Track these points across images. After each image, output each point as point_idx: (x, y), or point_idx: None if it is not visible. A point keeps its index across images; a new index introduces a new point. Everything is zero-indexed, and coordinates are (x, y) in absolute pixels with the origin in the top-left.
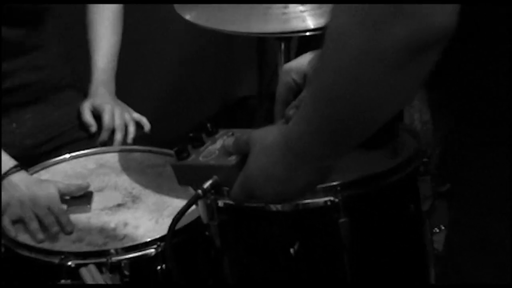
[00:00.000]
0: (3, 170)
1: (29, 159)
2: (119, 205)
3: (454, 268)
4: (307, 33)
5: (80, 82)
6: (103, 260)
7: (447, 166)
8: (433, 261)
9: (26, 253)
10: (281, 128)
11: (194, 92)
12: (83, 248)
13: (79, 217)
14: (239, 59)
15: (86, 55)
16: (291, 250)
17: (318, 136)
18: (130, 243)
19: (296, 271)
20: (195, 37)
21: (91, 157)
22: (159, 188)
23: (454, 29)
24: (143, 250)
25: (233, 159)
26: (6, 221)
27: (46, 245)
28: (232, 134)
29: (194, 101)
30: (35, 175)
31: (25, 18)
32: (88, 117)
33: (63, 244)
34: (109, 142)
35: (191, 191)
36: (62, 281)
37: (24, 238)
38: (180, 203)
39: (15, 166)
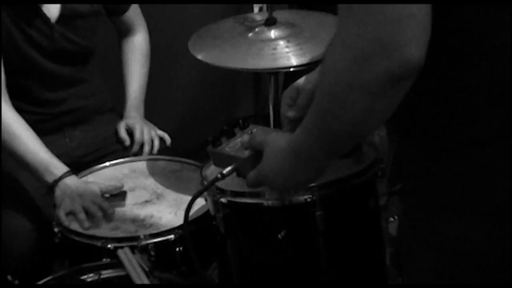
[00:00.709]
0: (59, 174)
1: (78, 166)
2: (146, 201)
3: (404, 248)
4: (291, 69)
5: (117, 107)
6: (135, 243)
7: (398, 170)
8: (388, 243)
9: (76, 238)
10: (288, 136)
11: (204, 113)
12: (119, 234)
13: (116, 211)
14: (239, 88)
15: (121, 86)
16: (279, 236)
17: (316, 144)
18: (155, 231)
19: (283, 252)
20: (204, 71)
21: (125, 164)
22: (177, 188)
23: (424, 61)
24: (165, 236)
25: (246, 153)
26: (61, 213)
27: (91, 232)
28: (251, 132)
29: (203, 121)
30: (83, 178)
31: (75, 59)
32: (123, 134)
33: (104, 231)
34: (139, 153)
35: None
36: (104, 260)
37: (74, 226)
38: None
39: (68, 172)
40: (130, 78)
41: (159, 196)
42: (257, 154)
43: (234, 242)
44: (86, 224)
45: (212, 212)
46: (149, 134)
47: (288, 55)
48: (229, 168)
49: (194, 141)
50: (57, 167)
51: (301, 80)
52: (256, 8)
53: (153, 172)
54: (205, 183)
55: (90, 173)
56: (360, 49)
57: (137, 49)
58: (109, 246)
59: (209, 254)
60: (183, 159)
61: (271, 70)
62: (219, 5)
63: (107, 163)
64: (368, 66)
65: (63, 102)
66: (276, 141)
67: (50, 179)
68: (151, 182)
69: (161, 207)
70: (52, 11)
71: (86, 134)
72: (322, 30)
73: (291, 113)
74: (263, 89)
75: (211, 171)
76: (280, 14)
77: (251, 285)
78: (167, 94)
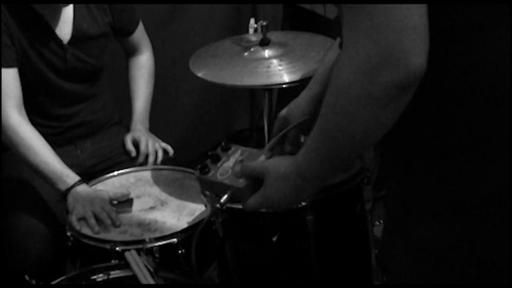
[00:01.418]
0: (71, 183)
1: (89, 175)
2: (151, 208)
3: (387, 249)
4: (284, 85)
5: (124, 120)
6: (141, 246)
7: (383, 178)
8: (373, 244)
9: (87, 241)
10: (290, 160)
11: (204, 127)
12: (127, 238)
13: (123, 216)
14: (236, 103)
15: (128, 101)
16: (273, 238)
17: (323, 163)
18: (159, 234)
19: (277, 253)
20: (204, 88)
21: (132, 173)
22: (180, 195)
23: (425, 69)
24: (168, 239)
25: (242, 182)
26: (73, 219)
27: (101, 236)
28: (241, 161)
29: (203, 133)
30: (93, 187)
31: (86, 77)
32: (129, 146)
33: (113, 235)
34: (144, 163)
35: (202, 197)
36: (112, 261)
37: (85, 230)
38: (195, 206)
39: (79, 180)
40: (136, 94)
41: (163, 203)
42: (255, 181)
43: (232, 244)
44: (96, 228)
45: (211, 217)
46: (153, 146)
47: (281, 72)
48: (225, 197)
49: (195, 152)
50: (69, 176)
51: (284, 112)
52: (251, 29)
53: (157, 181)
54: (206, 191)
55: (99, 181)
56: (369, 62)
57: (142, 67)
58: (117, 248)
59: (209, 255)
60: (185, 169)
61: (266, 86)
62: (218, 27)
63: (115, 173)
64: (376, 78)
65: (74, 116)
66: (278, 167)
67: (63, 187)
68: (155, 190)
69: (165, 212)
70: (65, 33)
71: (96, 146)
72: (312, 49)
73: (289, 148)
74: (258, 103)
75: None
76: (274, 35)
77: (248, 284)
78: (170, 109)
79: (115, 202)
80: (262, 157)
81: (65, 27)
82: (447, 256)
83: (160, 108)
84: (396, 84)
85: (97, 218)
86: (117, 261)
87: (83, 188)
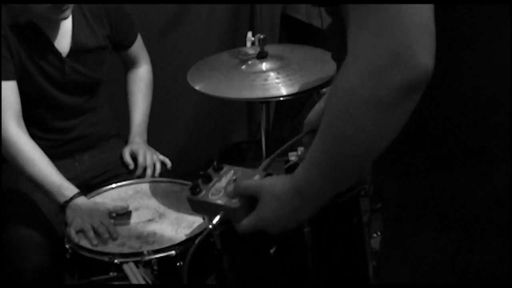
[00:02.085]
0: (69, 195)
1: (87, 188)
2: (149, 220)
3: (382, 261)
4: (281, 98)
5: (122, 133)
6: (139, 259)
7: (379, 191)
8: (371, 256)
9: (85, 253)
10: (287, 178)
11: (201, 139)
12: (125, 250)
13: (122, 228)
14: (233, 116)
15: (126, 114)
16: (271, 251)
17: (324, 178)
18: (158, 247)
19: (274, 265)
20: (202, 100)
21: (130, 186)
22: (178, 207)
23: (433, 70)
24: (167, 252)
25: (236, 202)
26: (71, 231)
27: (99, 248)
28: (235, 180)
29: (201, 146)
30: (91, 199)
31: (84, 90)
32: (127, 158)
33: (111, 247)
34: (142, 175)
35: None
36: (111, 274)
37: (84, 243)
38: (193, 218)
39: (78, 193)
40: (135, 106)
41: (161, 215)
42: (249, 202)
43: (230, 256)
44: (95, 241)
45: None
46: (151, 158)
47: (278, 85)
48: (217, 218)
49: (193, 164)
50: (68, 189)
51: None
52: (248, 42)
53: (156, 193)
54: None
55: (98, 194)
56: (376, 63)
57: (141, 80)
58: (115, 261)
59: (207, 267)
60: (182, 181)
61: (263, 99)
62: (215, 40)
63: (113, 185)
64: (383, 80)
65: (73, 129)
66: (274, 186)
67: (61, 199)
68: (153, 202)
69: (163, 225)
70: (63, 46)
71: (94, 159)
72: (309, 62)
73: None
74: (255, 116)
75: None
76: (271, 48)
77: None
78: (168, 122)
79: (114, 214)
80: (257, 177)
81: (64, 40)
82: (444, 268)
83: (158, 121)
84: (405, 85)
85: (95, 231)
86: (115, 273)
87: (81, 201)
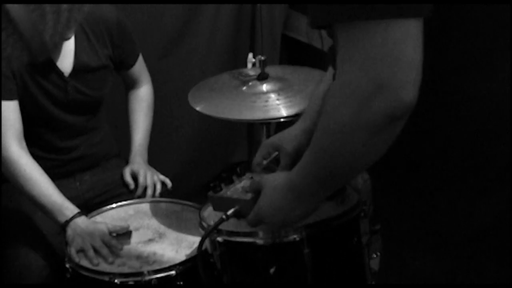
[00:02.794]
0: (70, 215)
1: (88, 207)
2: (150, 240)
3: (385, 280)
4: (281, 119)
5: (123, 153)
6: (139, 279)
7: (378, 212)
8: (370, 277)
9: (86, 273)
10: (286, 174)
11: (202, 160)
12: (125, 270)
13: (122, 248)
14: (234, 136)
15: (127, 133)
16: (271, 271)
17: (315, 181)
18: (158, 267)
19: (274, 286)
20: (202, 121)
21: (131, 206)
22: (178, 227)
23: (416, 101)
24: (167, 272)
25: (249, 195)
26: (72, 251)
27: (100, 268)
28: (252, 178)
29: (201, 167)
30: (92, 219)
31: (86, 109)
32: (128, 178)
33: (111, 267)
34: (143, 195)
35: (201, 230)
36: None
37: (84, 262)
38: (193, 239)
39: (78, 213)
40: (135, 126)
41: (161, 235)
42: (257, 196)
43: (229, 277)
44: (95, 260)
45: (210, 251)
46: (152, 178)
47: (279, 106)
48: (232, 210)
49: (193, 184)
50: (69, 209)
51: (275, 138)
52: (249, 63)
53: (156, 213)
54: (203, 223)
55: (98, 213)
56: (361, 92)
57: (142, 100)
58: (116, 281)
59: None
60: (183, 201)
61: (264, 120)
62: (216, 61)
63: (114, 205)
64: (368, 108)
65: (74, 149)
66: (273, 180)
67: (62, 219)
68: (154, 222)
69: (163, 245)
70: (66, 66)
71: (95, 178)
72: (310, 83)
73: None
74: (256, 137)
75: (209, 212)
76: (272, 70)
77: None
78: (169, 142)
79: (114, 234)
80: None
81: (66, 59)
82: None
83: (159, 141)
84: (386, 114)
85: (96, 250)
86: None
87: (82, 221)
